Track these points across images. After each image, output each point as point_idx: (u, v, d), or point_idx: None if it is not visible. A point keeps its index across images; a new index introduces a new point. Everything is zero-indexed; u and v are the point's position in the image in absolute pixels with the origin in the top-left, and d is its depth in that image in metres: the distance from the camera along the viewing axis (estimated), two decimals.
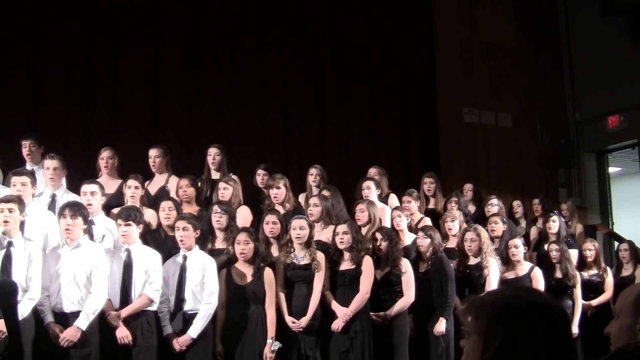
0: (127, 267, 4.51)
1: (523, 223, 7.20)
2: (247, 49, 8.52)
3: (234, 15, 8.51)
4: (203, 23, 8.36)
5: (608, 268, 6.52)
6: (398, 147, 9.28)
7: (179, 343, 4.52)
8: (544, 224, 6.65)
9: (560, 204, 7.84)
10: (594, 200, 10.11)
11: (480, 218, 6.58)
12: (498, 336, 1.42)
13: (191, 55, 8.23)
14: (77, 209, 4.35)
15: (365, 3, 9.35)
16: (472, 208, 6.96)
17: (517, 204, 7.29)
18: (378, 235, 5.19)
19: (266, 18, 8.69)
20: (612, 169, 10.69)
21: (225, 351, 4.68)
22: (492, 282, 5.32)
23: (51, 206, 4.95)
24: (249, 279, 4.76)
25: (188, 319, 4.60)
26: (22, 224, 4.34)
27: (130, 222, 4.53)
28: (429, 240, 5.35)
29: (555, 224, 6.50)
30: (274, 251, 5.10)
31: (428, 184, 6.73)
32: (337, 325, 4.83)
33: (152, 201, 5.58)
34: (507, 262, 5.72)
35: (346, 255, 5.02)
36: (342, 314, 4.84)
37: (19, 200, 4.30)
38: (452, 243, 5.80)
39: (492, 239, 5.81)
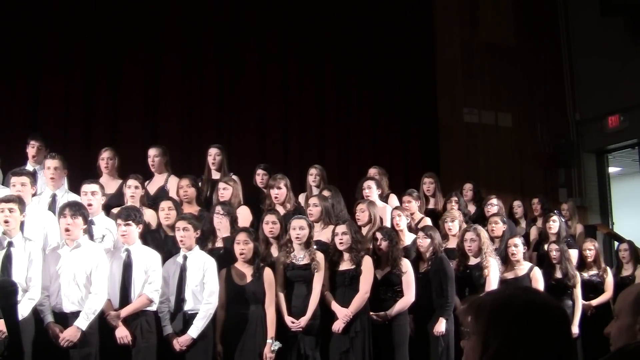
0: (127, 267, 4.51)
1: (523, 223, 7.21)
2: (247, 49, 8.52)
3: (235, 15, 8.50)
4: (203, 23, 8.36)
5: (608, 268, 6.52)
6: (398, 147, 9.28)
7: (179, 343, 4.52)
8: (544, 224, 6.65)
9: (561, 203, 7.84)
10: (594, 200, 10.11)
11: (480, 218, 6.58)
12: (497, 336, 1.42)
13: (191, 56, 8.23)
14: (77, 209, 4.35)
15: (366, 4, 9.35)
16: (472, 208, 6.96)
17: (517, 204, 7.29)
18: (378, 235, 5.19)
19: (266, 18, 8.69)
20: (612, 169, 10.69)
21: (225, 351, 4.68)
22: (492, 282, 5.31)
23: (51, 206, 4.94)
24: (249, 279, 4.76)
25: (188, 319, 4.60)
26: (21, 224, 4.34)
27: (130, 222, 4.53)
28: (429, 240, 5.35)
29: (555, 224, 6.50)
30: (274, 251, 5.10)
31: (427, 184, 6.72)
32: (337, 326, 4.83)
33: (151, 201, 5.58)
34: (507, 262, 5.72)
35: (346, 255, 5.02)
36: (343, 315, 4.83)
37: (19, 200, 4.29)
38: (452, 243, 5.79)
39: (492, 239, 5.81)
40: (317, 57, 8.97)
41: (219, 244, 5.09)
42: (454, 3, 9.98)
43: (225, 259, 4.92)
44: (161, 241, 5.07)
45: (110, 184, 5.58)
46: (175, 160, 6.44)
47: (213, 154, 6.16)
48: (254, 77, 8.53)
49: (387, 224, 5.72)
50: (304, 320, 4.77)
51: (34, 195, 4.83)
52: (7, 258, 4.17)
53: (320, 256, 4.93)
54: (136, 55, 7.90)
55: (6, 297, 4.01)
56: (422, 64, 9.60)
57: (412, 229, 5.90)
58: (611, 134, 9.77)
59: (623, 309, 1.85)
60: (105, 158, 5.81)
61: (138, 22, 7.92)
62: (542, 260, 6.24)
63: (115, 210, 4.97)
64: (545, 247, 6.32)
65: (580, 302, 5.95)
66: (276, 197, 5.66)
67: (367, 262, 4.98)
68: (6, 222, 4.20)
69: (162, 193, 5.74)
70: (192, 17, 8.31)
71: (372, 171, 6.61)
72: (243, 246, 4.75)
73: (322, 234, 5.30)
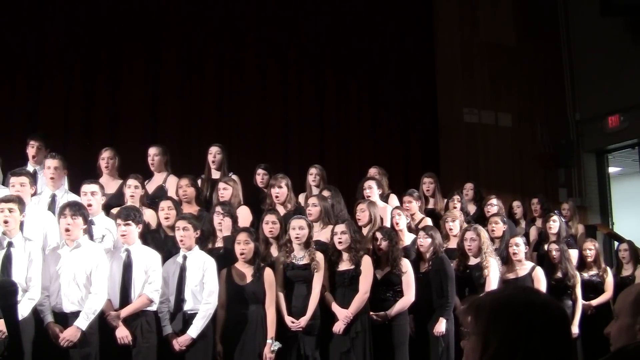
0: (127, 267, 4.51)
1: (523, 223, 7.21)
2: (247, 49, 8.51)
3: (235, 15, 8.50)
4: (203, 23, 8.35)
5: (608, 268, 6.52)
6: (398, 147, 9.28)
7: (179, 343, 4.52)
8: (544, 224, 6.65)
9: (561, 204, 7.84)
10: (594, 200, 10.11)
11: (481, 218, 6.58)
12: (497, 336, 1.42)
13: (191, 55, 8.23)
14: (77, 209, 4.35)
15: (366, 3, 9.35)
16: (472, 208, 6.96)
17: (516, 205, 7.29)
18: (378, 235, 5.19)
19: (266, 18, 8.69)
20: (612, 169, 10.69)
21: (225, 351, 4.67)
22: (492, 282, 5.31)
23: (51, 206, 4.94)
24: (249, 279, 4.76)
25: (188, 319, 4.60)
26: (21, 224, 4.34)
27: (130, 222, 4.53)
28: (429, 240, 5.35)
29: (555, 224, 6.50)
30: (274, 251, 5.10)
31: (427, 184, 6.72)
32: (338, 327, 4.83)
33: (150, 200, 5.57)
34: (508, 262, 5.72)
35: (345, 255, 5.01)
36: (343, 316, 4.83)
37: (19, 200, 4.29)
38: (453, 243, 5.79)
39: (492, 239, 5.81)
40: (317, 57, 8.97)
41: (219, 244, 5.09)
42: (454, 3, 9.98)
43: (225, 258, 4.92)
44: (161, 241, 5.06)
45: (110, 184, 5.58)
46: (175, 160, 6.44)
47: (213, 152, 6.16)
48: (254, 77, 8.52)
49: (388, 224, 5.72)
50: (304, 320, 4.77)
51: (33, 195, 4.83)
52: (7, 258, 4.17)
53: (320, 256, 4.93)
54: (136, 55, 7.89)
55: (6, 297, 4.01)
56: (422, 64, 9.61)
57: (413, 229, 5.90)
58: (611, 134, 9.77)
59: (623, 309, 1.85)
60: (105, 158, 5.81)
61: (138, 22, 7.91)
62: (542, 261, 6.23)
63: (115, 210, 4.97)
64: (545, 247, 6.32)
65: (580, 302, 5.95)
66: (277, 197, 5.66)
67: (367, 262, 4.98)
68: (6, 222, 4.20)
69: (161, 192, 5.74)
70: (192, 17, 8.30)
71: (373, 171, 6.61)
72: (244, 246, 4.75)
73: (322, 234, 5.29)
